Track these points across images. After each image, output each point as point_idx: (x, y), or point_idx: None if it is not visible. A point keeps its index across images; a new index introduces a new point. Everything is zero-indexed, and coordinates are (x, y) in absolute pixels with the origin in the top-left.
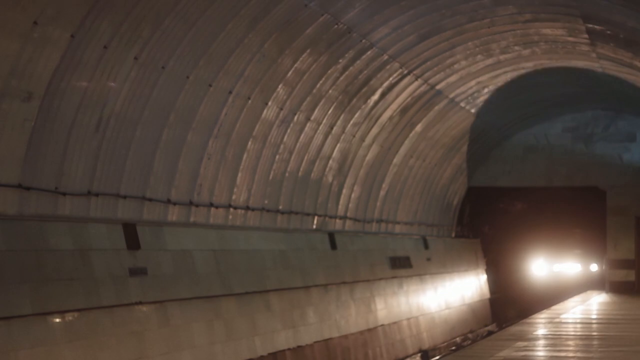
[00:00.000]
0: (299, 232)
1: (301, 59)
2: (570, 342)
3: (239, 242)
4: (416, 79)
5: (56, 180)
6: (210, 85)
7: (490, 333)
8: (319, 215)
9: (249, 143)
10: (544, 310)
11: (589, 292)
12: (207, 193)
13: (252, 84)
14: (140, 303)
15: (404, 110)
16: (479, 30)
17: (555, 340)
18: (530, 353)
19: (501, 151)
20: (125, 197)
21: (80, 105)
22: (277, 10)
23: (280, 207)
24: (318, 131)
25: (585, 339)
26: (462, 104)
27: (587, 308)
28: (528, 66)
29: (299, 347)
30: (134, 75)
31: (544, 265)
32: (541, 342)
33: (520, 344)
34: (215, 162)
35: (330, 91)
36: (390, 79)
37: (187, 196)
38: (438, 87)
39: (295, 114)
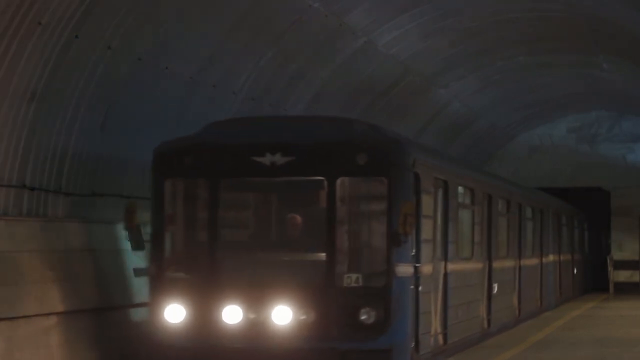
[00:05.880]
0: None
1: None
2: None
3: None
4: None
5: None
6: (214, 86)
7: None
8: None
9: None
10: None
11: None
12: None
13: (257, 84)
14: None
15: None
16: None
17: None
18: None
19: (506, 152)
20: (129, 197)
21: (85, 105)
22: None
23: None
24: None
25: None
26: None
27: None
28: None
29: None
30: (139, 76)
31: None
32: None
33: None
34: None
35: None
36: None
37: None
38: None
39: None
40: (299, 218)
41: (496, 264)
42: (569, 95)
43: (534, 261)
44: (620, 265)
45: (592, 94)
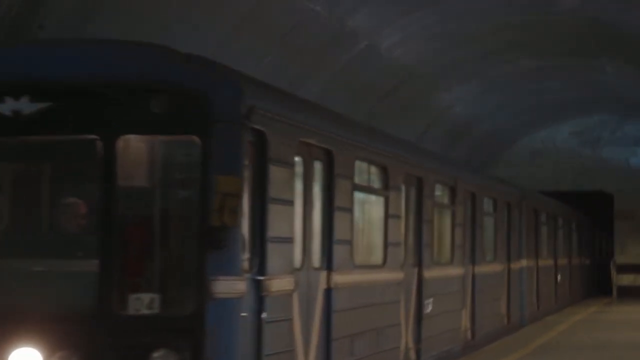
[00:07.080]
0: None
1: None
2: None
3: None
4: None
5: None
6: None
7: None
8: None
9: None
10: None
11: None
12: None
13: None
14: None
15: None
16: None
17: None
18: None
19: (509, 155)
20: None
21: None
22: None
23: None
24: None
25: None
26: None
27: None
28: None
29: None
30: None
31: None
32: None
33: None
34: None
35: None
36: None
37: None
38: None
39: None
40: (82, 205)
41: (430, 273)
42: (571, 99)
43: (496, 267)
44: (624, 269)
45: (595, 98)
